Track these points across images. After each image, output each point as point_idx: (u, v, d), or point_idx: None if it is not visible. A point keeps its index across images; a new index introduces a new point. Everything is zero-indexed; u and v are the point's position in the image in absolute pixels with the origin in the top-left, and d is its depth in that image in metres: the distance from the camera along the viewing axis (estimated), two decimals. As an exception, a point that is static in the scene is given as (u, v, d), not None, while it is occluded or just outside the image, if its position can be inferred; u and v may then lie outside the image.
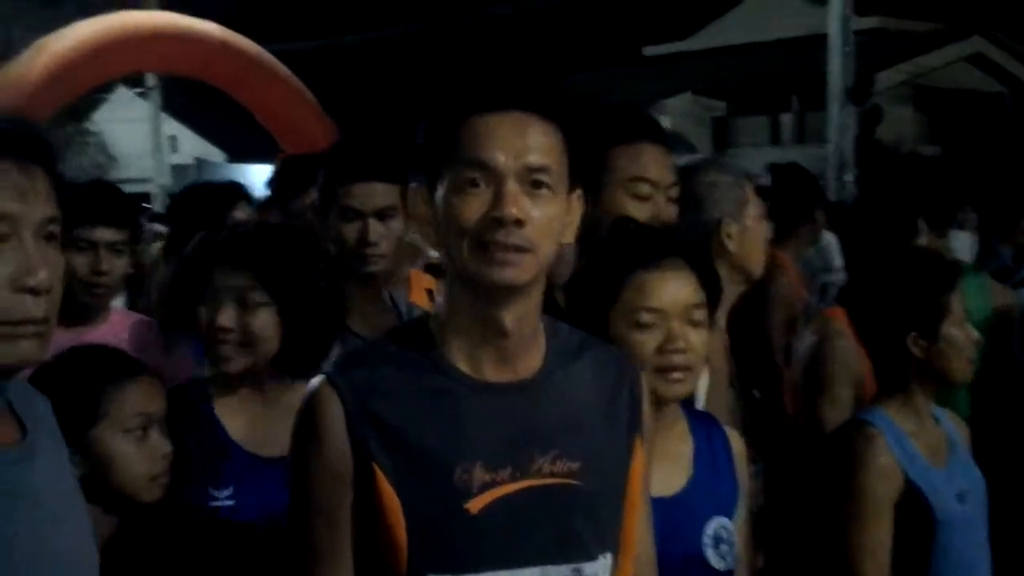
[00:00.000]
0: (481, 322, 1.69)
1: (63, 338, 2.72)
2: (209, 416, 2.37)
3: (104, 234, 3.11)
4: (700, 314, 2.16)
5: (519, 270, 1.64)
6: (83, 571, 1.65)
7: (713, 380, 2.60)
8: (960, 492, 2.63)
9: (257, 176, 10.67)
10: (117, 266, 3.15)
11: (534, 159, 1.65)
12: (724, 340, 2.77)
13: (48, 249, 1.54)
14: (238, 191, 4.18)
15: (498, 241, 1.62)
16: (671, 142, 2.71)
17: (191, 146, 37.12)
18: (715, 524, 2.16)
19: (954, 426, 2.78)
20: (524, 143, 1.65)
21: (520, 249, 1.63)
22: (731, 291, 2.71)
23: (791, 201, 5.09)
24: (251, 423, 2.37)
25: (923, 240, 3.39)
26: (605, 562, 1.73)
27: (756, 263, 2.86)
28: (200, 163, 23.98)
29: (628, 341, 2.12)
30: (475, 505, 1.65)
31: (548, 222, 1.66)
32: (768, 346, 4.15)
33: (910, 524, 2.57)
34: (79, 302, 3.08)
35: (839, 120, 16.97)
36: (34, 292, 1.51)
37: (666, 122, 27.90)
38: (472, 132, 1.65)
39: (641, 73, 32.89)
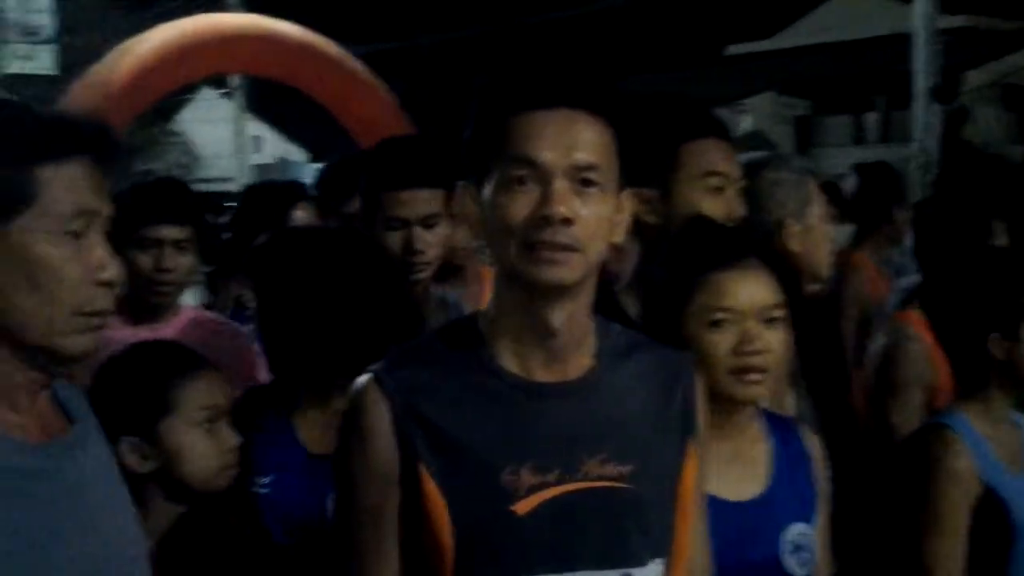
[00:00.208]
0: (529, 322, 1.67)
1: (126, 334, 2.76)
2: (286, 423, 2.36)
3: (168, 232, 3.12)
4: (777, 314, 2.11)
5: (567, 269, 1.61)
6: (132, 554, 1.66)
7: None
8: None
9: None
10: (182, 264, 3.15)
11: (583, 157, 1.62)
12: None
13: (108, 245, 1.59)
14: (298, 191, 4.17)
15: (546, 240, 1.60)
16: (753, 141, 2.68)
17: (274, 146, 37.61)
18: (794, 530, 2.12)
19: None
20: (572, 140, 1.62)
21: (568, 248, 1.60)
22: None
23: (870, 201, 5.01)
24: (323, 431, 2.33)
25: (999, 243, 3.31)
26: (656, 568, 1.70)
27: (820, 263, 2.80)
28: (282, 162, 24.25)
29: (701, 342, 2.08)
30: (522, 507, 1.63)
31: (597, 221, 1.63)
32: (840, 347, 4.08)
33: (987, 531, 2.50)
34: (146, 300, 3.10)
35: (924, 120, 16.72)
36: (109, 286, 1.55)
37: (748, 122, 27.68)
38: (520, 129, 1.63)
39: (723, 73, 32.62)
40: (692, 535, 1.79)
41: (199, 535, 2.20)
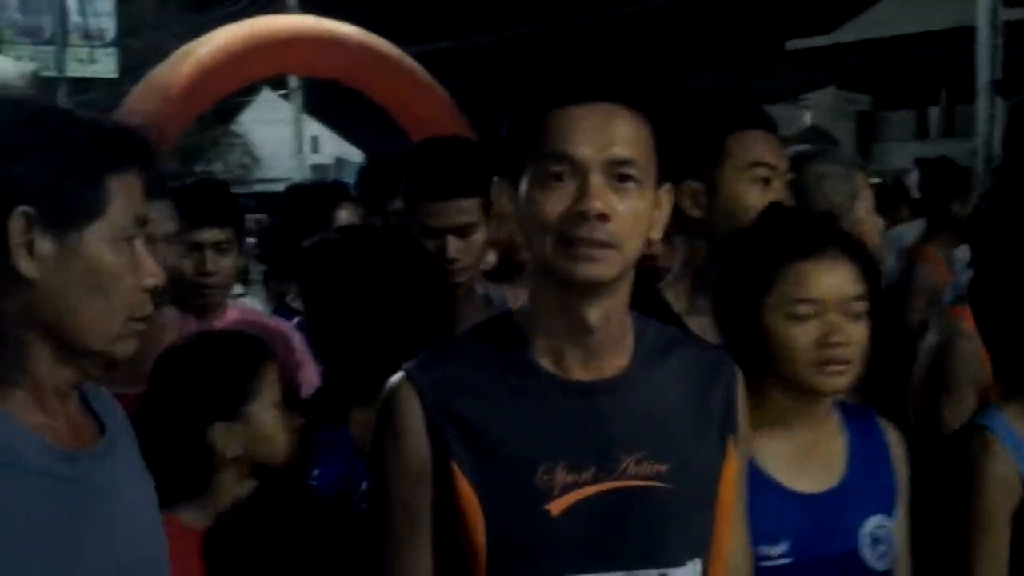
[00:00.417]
0: (566, 319, 1.65)
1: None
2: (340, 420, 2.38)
3: (208, 234, 3.13)
4: (860, 306, 2.07)
5: (604, 266, 1.59)
6: (154, 560, 1.67)
7: None
8: None
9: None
10: (224, 265, 3.16)
11: (620, 151, 1.60)
12: None
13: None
14: (341, 191, 4.17)
15: (582, 237, 1.58)
16: (814, 137, 2.64)
17: (331, 146, 37.84)
18: (873, 523, 2.08)
19: None
20: (609, 135, 1.60)
21: (605, 245, 1.58)
22: None
23: (934, 196, 4.95)
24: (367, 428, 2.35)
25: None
26: (694, 568, 1.67)
27: None
28: (339, 162, 24.40)
29: (781, 334, 2.05)
30: (557, 507, 1.61)
31: (635, 217, 1.61)
32: (903, 340, 4.00)
33: None
34: (190, 303, 3.10)
35: (988, 114, 16.49)
36: (153, 292, 1.58)
37: (808, 117, 27.43)
38: (556, 124, 1.61)
39: (783, 68, 32.36)
40: (732, 535, 1.76)
41: (260, 516, 2.29)
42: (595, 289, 1.62)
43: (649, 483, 1.65)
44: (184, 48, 12.82)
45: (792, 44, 34.92)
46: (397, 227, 2.99)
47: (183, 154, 22.96)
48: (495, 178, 1.71)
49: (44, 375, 1.53)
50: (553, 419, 1.64)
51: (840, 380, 2.06)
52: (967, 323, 3.04)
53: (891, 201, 8.16)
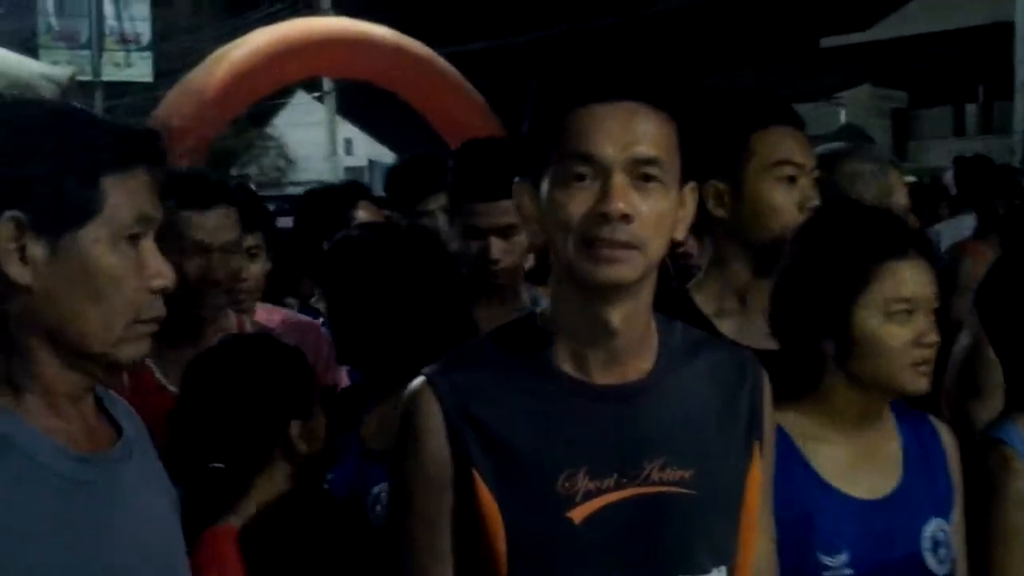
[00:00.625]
0: (588, 322, 1.62)
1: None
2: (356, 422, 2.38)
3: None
4: (937, 306, 2.07)
5: (626, 268, 1.56)
6: (171, 566, 1.66)
7: None
8: None
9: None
10: (252, 270, 3.15)
11: (643, 151, 1.57)
12: None
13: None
14: (358, 191, 4.17)
15: (604, 238, 1.54)
16: (850, 134, 2.59)
17: (365, 148, 37.96)
18: (932, 526, 2.06)
19: None
20: (632, 134, 1.57)
21: (628, 246, 1.55)
22: None
23: (981, 194, 4.89)
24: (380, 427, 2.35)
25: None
26: (719, 575, 1.64)
27: None
28: (372, 164, 24.44)
29: (879, 333, 2.03)
30: (579, 514, 1.58)
31: (658, 217, 1.57)
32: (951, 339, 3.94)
33: None
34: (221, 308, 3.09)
35: (1025, 110, 16.36)
36: (163, 293, 1.55)
37: (843, 115, 27.26)
38: (578, 123, 1.58)
39: (819, 66, 32.20)
40: (758, 541, 1.72)
41: (296, 515, 2.29)
42: (617, 291, 1.58)
43: (673, 489, 1.62)
44: (218, 52, 12.91)
45: (827, 42, 34.76)
46: (417, 225, 3.01)
47: (218, 157, 23.06)
48: (516, 179, 1.68)
49: (52, 379, 1.51)
50: (574, 424, 1.61)
51: (926, 381, 2.07)
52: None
53: (930, 199, 8.09)
